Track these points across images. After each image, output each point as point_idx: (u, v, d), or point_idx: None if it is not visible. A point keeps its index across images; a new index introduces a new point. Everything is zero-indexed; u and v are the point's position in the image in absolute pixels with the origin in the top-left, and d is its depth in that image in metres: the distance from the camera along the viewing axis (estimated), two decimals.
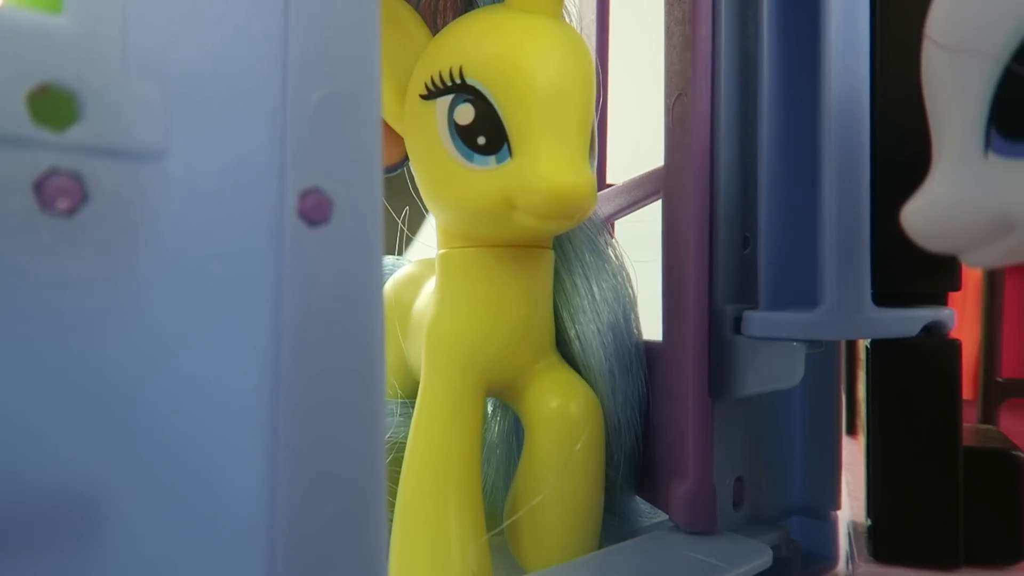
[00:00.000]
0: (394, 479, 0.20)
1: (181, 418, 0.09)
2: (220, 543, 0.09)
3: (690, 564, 0.18)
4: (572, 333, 0.22)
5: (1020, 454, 0.19)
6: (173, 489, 0.09)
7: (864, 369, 0.20)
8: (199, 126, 0.09)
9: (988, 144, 0.12)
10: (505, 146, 0.18)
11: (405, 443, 0.20)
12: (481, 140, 0.18)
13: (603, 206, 0.25)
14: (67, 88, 0.08)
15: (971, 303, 0.34)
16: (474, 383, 0.20)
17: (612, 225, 0.27)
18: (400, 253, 0.29)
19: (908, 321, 0.18)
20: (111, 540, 0.08)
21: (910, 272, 0.19)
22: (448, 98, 0.18)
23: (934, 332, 0.19)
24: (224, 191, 0.09)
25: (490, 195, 0.18)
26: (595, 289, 0.22)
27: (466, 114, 0.18)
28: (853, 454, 0.28)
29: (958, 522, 0.18)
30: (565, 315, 0.22)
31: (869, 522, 0.20)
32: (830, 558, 0.23)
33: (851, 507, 0.23)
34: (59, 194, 0.08)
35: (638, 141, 0.27)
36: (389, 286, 0.27)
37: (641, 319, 0.23)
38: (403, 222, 0.26)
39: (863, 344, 0.21)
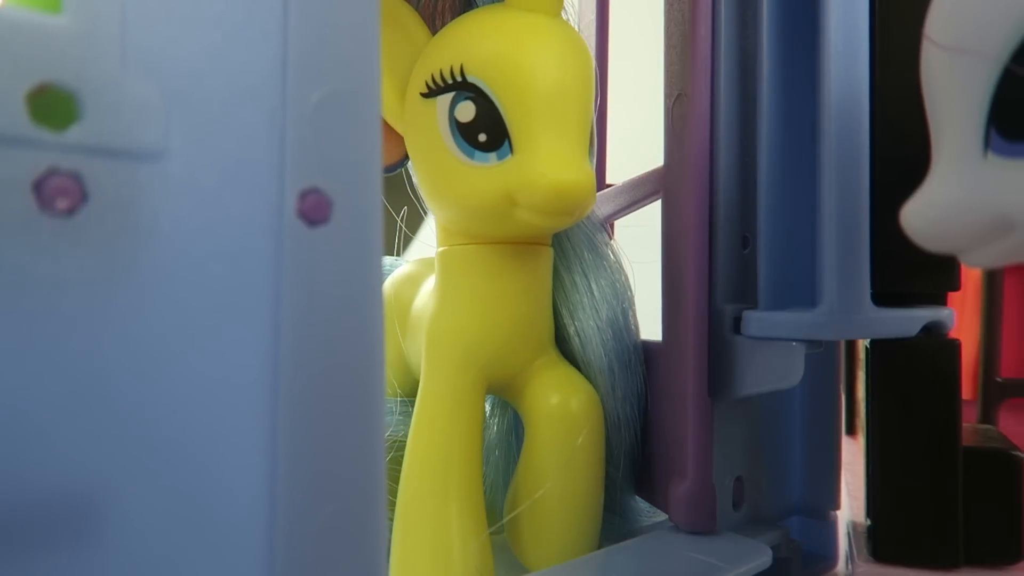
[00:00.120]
0: (393, 478, 0.20)
1: (181, 418, 0.09)
2: (220, 543, 0.09)
3: (690, 564, 0.18)
4: (572, 330, 0.22)
5: (1019, 454, 0.19)
6: (173, 489, 0.09)
7: (864, 369, 0.20)
8: (198, 126, 0.09)
9: (987, 144, 0.12)
10: (506, 143, 0.18)
11: (405, 442, 0.20)
12: (482, 137, 0.18)
13: (603, 206, 0.25)
14: (66, 88, 0.08)
15: (970, 303, 0.34)
16: (474, 380, 0.20)
17: (612, 225, 0.27)
18: (399, 254, 0.29)
19: (907, 321, 0.18)
20: (111, 540, 0.08)
21: (909, 272, 0.19)
22: (449, 96, 0.18)
23: (933, 332, 0.19)
24: (224, 191, 0.09)
25: (491, 192, 0.18)
26: (594, 286, 0.22)
27: (467, 111, 0.18)
28: (853, 454, 0.28)
29: (958, 522, 0.18)
30: (564, 312, 0.22)
31: (869, 522, 0.20)
32: (830, 558, 0.23)
33: (851, 507, 0.23)
34: (58, 194, 0.08)
35: (638, 141, 0.27)
36: (388, 285, 0.27)
37: (641, 319, 0.23)
38: (401, 221, 0.26)
39: (863, 344, 0.21)
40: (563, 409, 0.21)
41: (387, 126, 0.21)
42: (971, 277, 0.33)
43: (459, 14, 0.20)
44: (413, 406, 0.21)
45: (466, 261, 0.20)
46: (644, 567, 0.18)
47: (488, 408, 0.24)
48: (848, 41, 0.17)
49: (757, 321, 0.19)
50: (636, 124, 0.29)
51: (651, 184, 0.23)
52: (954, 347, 0.19)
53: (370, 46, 0.10)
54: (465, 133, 0.18)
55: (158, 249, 0.09)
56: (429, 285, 0.23)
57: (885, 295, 0.18)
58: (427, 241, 0.25)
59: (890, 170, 0.18)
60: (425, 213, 0.24)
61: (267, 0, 0.10)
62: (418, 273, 0.26)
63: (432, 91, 0.19)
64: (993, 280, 0.31)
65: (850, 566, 0.20)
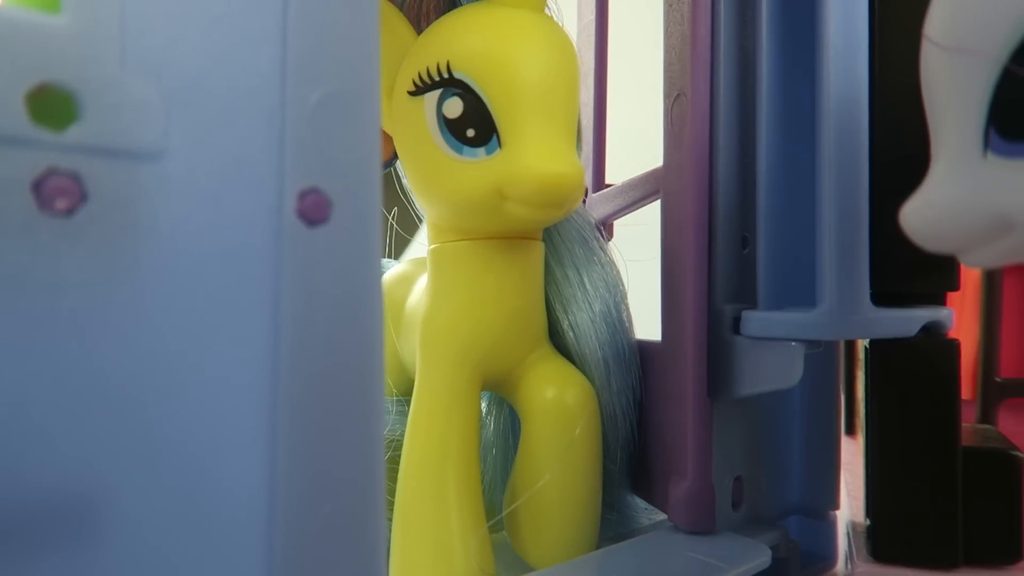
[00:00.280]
0: (391, 477, 0.20)
1: (180, 417, 0.09)
2: (219, 542, 0.09)
3: (689, 564, 0.18)
4: (566, 324, 0.22)
5: (1019, 454, 0.19)
6: (172, 489, 0.09)
7: (863, 369, 0.20)
8: (198, 126, 0.09)
9: (987, 144, 0.12)
10: (494, 137, 0.18)
11: (401, 440, 0.20)
12: (470, 132, 0.18)
13: (602, 206, 0.25)
14: (66, 88, 0.08)
15: (970, 303, 0.34)
16: (470, 376, 0.20)
17: (611, 225, 0.27)
18: (393, 256, 0.29)
19: (907, 321, 0.18)
20: (111, 540, 0.08)
21: (909, 272, 0.19)
22: (436, 93, 0.18)
23: (933, 332, 0.19)
24: (223, 191, 0.09)
25: (481, 186, 0.18)
26: (586, 280, 0.22)
27: (455, 107, 0.18)
28: (852, 454, 0.28)
29: (957, 522, 0.18)
30: (558, 306, 0.22)
31: (868, 522, 0.20)
32: (829, 558, 0.23)
33: (850, 507, 0.23)
34: (58, 194, 0.08)
35: (637, 141, 0.27)
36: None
37: (640, 319, 0.23)
38: (392, 220, 0.26)
39: (862, 344, 0.21)
40: (559, 402, 0.21)
41: None
42: (970, 277, 0.33)
43: (443, 14, 0.20)
44: (409, 405, 0.21)
45: (458, 257, 0.20)
46: (643, 567, 0.18)
47: (484, 406, 0.24)
48: (848, 41, 0.17)
49: (756, 321, 0.19)
50: (636, 124, 0.29)
51: (650, 184, 0.23)
52: (953, 347, 0.19)
53: (369, 46, 0.10)
54: (453, 129, 0.18)
55: (158, 249, 0.09)
56: (422, 284, 0.23)
57: (884, 295, 0.18)
58: (423, 241, 0.25)
59: (889, 170, 0.18)
60: (419, 218, 0.24)
61: (267, 0, 0.10)
62: (411, 272, 0.26)
63: (419, 89, 0.19)
64: (992, 280, 0.31)
65: (849, 566, 0.20)
